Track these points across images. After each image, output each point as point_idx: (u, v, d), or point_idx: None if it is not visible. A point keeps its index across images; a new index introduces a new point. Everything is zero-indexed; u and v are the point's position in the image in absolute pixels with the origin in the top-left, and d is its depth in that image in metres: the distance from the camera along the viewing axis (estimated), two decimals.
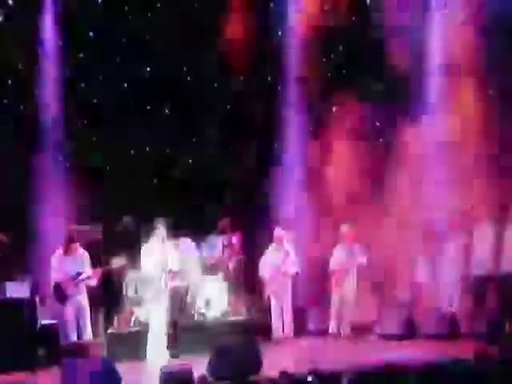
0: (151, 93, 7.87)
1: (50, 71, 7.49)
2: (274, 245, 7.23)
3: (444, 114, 7.52)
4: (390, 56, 7.44)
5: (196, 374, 5.05)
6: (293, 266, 7.16)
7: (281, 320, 7.15)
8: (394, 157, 7.40)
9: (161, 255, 6.24)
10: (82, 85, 7.64)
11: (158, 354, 6.20)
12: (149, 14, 7.92)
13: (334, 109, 8.12)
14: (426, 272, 7.29)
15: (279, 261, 7.11)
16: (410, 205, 7.28)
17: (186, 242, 7.18)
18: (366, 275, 7.33)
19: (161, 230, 6.30)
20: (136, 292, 5.91)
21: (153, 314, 6.30)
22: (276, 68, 7.96)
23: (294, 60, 7.98)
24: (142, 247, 6.38)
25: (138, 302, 5.87)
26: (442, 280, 7.20)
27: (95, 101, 7.78)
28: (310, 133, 7.94)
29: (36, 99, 7.45)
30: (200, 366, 5.37)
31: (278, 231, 7.28)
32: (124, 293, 6.57)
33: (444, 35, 7.59)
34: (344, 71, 7.85)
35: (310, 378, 4.22)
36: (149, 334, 6.14)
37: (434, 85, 7.61)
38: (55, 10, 7.46)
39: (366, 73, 7.53)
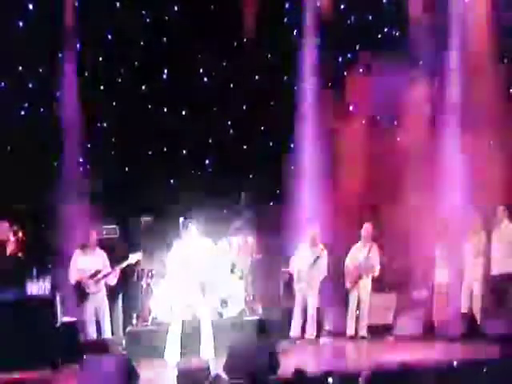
0: (169, 95, 7.92)
1: (69, 74, 7.59)
2: (307, 243, 7.12)
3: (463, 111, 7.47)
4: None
5: (212, 373, 5.09)
6: (323, 269, 7.05)
7: (301, 320, 7.10)
8: (412, 153, 7.35)
9: (186, 255, 6.24)
10: (101, 87, 7.74)
11: (176, 353, 6.23)
12: (166, 18, 7.98)
13: (351, 107, 8.12)
14: (444, 272, 7.23)
15: (311, 260, 7.02)
16: (430, 203, 7.23)
17: (204, 242, 7.23)
18: (384, 275, 7.29)
19: (188, 229, 6.29)
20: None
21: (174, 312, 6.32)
22: (292, 66, 7.96)
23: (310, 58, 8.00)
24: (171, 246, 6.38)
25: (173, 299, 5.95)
26: (460, 280, 7.14)
27: (114, 104, 7.86)
28: (327, 132, 7.93)
29: (56, 102, 7.56)
30: (217, 364, 5.40)
31: (312, 230, 7.13)
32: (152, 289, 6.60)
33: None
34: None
35: (330, 380, 4.22)
36: (168, 333, 6.18)
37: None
38: (74, 14, 7.55)
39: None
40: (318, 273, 7.06)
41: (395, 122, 7.88)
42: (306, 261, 7.07)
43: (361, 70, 7.91)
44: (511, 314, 6.68)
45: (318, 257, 7.05)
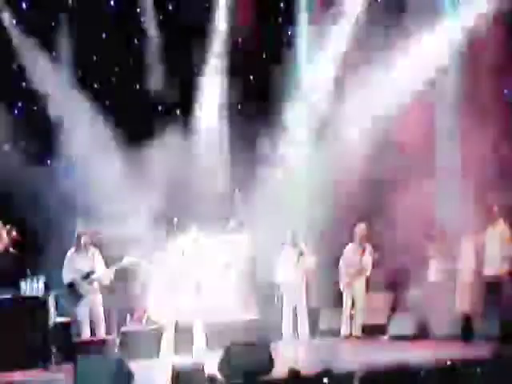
0: (164, 94, 7.89)
1: (62, 73, 7.55)
2: (289, 243, 7.19)
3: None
4: None
5: (207, 373, 5.08)
6: (308, 265, 7.10)
7: (291, 319, 7.12)
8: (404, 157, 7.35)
9: (181, 254, 6.23)
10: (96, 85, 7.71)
11: (171, 353, 6.21)
12: (160, 17, 7.96)
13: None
14: (438, 271, 7.24)
15: (295, 259, 7.08)
16: (423, 203, 7.24)
17: (200, 241, 7.21)
18: (378, 275, 7.30)
19: (183, 228, 6.28)
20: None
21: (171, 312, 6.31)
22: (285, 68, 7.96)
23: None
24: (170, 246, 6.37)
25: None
26: (454, 279, 7.16)
27: (107, 103, 7.82)
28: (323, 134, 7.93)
29: (48, 101, 7.52)
30: (211, 365, 5.39)
31: (291, 230, 7.19)
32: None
33: None
34: None
35: (325, 380, 4.22)
36: (163, 333, 6.16)
37: None
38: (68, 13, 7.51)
39: None
40: (301, 271, 7.08)
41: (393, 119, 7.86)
42: (290, 260, 7.08)
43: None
44: (505, 313, 6.71)
45: (300, 255, 7.05)
